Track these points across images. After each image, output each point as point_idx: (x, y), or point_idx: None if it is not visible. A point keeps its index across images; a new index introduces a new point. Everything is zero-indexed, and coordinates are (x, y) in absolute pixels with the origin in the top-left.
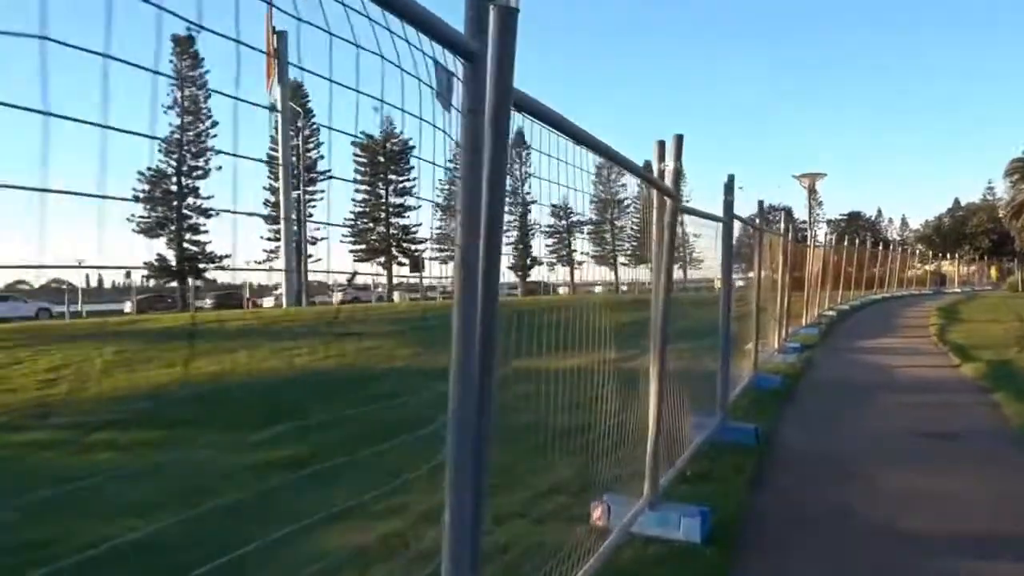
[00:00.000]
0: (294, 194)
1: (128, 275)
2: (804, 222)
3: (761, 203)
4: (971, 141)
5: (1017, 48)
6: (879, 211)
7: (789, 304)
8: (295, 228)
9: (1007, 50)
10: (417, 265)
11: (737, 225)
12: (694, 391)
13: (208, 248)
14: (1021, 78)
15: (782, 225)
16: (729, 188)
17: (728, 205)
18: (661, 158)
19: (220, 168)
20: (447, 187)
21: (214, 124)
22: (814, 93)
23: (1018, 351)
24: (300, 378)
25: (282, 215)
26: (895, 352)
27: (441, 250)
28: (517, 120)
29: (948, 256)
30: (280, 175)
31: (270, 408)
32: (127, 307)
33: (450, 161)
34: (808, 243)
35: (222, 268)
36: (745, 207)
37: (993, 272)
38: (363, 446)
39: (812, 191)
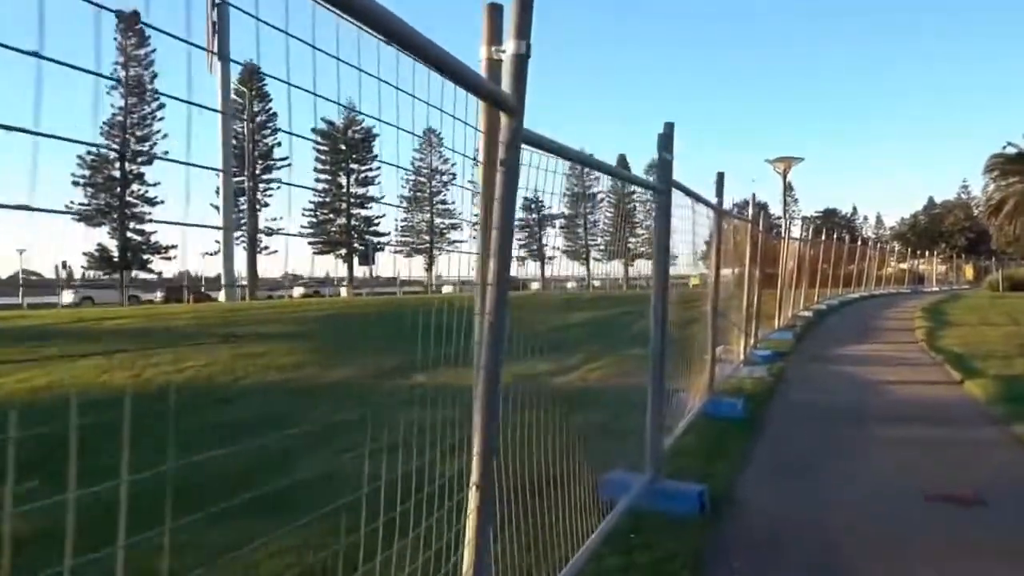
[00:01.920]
0: (238, 182)
1: (65, 265)
2: (779, 218)
3: (720, 176)
4: (946, 139)
5: (990, 47)
6: (854, 208)
7: (759, 304)
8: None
9: (981, 48)
10: (367, 257)
11: (693, 205)
12: (611, 432)
13: (154, 238)
14: (994, 76)
15: (750, 209)
16: (666, 142)
17: (664, 167)
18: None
19: (167, 153)
20: (412, 178)
21: (161, 106)
22: (789, 91)
23: None
24: (109, 400)
25: (221, 201)
26: (882, 362)
27: (406, 243)
28: None
29: (925, 254)
30: (220, 157)
31: None
32: (67, 298)
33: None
34: (782, 236)
35: (167, 259)
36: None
37: (968, 271)
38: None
39: (788, 183)
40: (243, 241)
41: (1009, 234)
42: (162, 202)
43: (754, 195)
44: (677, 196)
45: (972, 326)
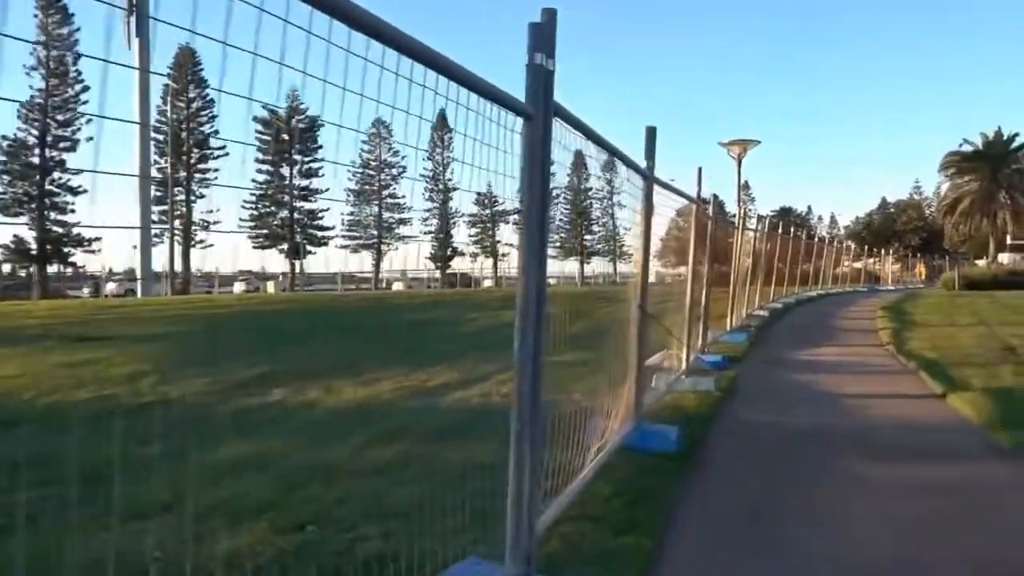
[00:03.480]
0: (174, 173)
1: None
2: (733, 215)
3: (651, 133)
4: (898, 139)
5: (942, 45)
6: (809, 208)
7: (709, 303)
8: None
9: (933, 46)
10: (297, 251)
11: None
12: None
13: (76, 230)
14: (946, 75)
15: (697, 188)
16: (541, 41)
17: (535, 77)
18: None
19: (91, 139)
20: (360, 171)
21: (85, 89)
22: (743, 86)
23: (1016, 371)
24: None
25: (139, 187)
26: (848, 369)
27: (353, 238)
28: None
29: (881, 252)
30: (138, 143)
31: None
32: None
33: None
34: (736, 227)
35: (91, 252)
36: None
37: (920, 269)
38: None
39: (745, 181)
40: (177, 234)
41: (964, 232)
42: (85, 191)
43: (700, 169)
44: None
45: (939, 327)
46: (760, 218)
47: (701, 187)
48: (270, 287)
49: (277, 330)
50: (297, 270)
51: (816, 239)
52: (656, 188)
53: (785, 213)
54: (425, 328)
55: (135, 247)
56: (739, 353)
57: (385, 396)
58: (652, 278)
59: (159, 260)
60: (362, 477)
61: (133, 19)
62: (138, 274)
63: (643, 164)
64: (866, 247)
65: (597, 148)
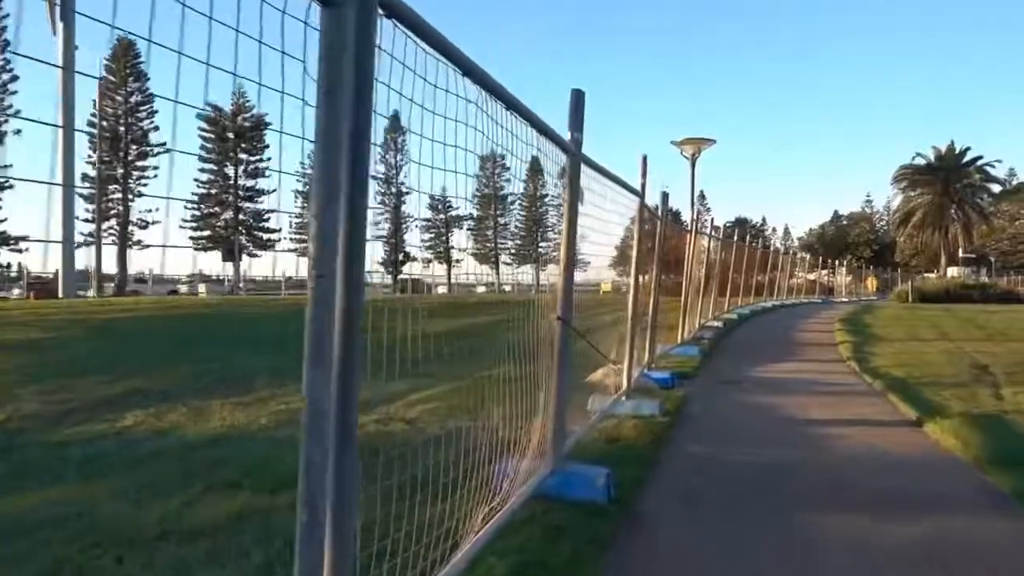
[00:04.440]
0: (104, 168)
1: None
2: (686, 226)
3: (578, 96)
4: (849, 152)
5: (896, 57)
6: (764, 219)
7: (656, 314)
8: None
9: (887, 59)
10: (232, 253)
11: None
12: None
13: (1, 227)
14: (898, 90)
15: (641, 180)
16: None
17: None
18: None
19: (19, 132)
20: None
21: (13, 79)
22: (699, 92)
23: (994, 394)
24: None
25: (61, 181)
26: (810, 389)
27: (301, 241)
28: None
29: (834, 264)
30: (60, 137)
31: None
32: None
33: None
34: (690, 231)
35: (17, 250)
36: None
37: (870, 283)
38: None
39: (701, 192)
40: (113, 233)
41: (917, 244)
42: (11, 187)
43: (644, 158)
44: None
45: (901, 341)
46: (716, 229)
47: (645, 179)
48: (202, 290)
49: (176, 337)
50: (241, 273)
51: (771, 249)
52: (591, 175)
53: (740, 223)
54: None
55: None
56: (690, 369)
57: (262, 421)
58: (608, 287)
59: (90, 261)
60: (176, 542)
61: (58, 8)
62: (60, 275)
63: (567, 136)
64: (820, 259)
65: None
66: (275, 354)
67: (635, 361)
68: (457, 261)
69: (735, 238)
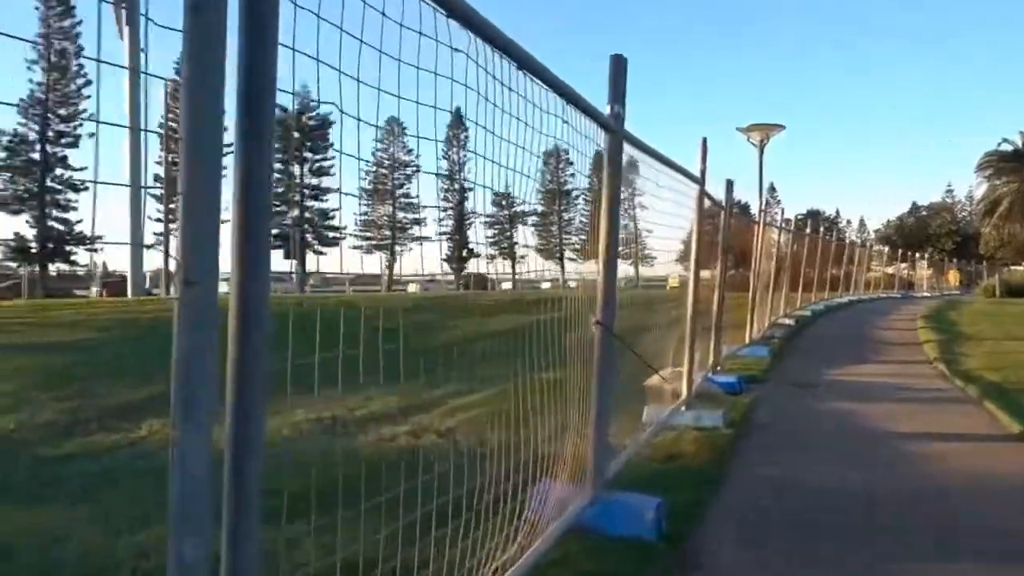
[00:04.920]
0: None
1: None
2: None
3: (619, 63)
4: (929, 142)
5: (974, 45)
6: (837, 211)
7: (721, 312)
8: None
9: (965, 47)
10: (290, 251)
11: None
12: None
13: (78, 228)
14: (976, 76)
15: (700, 166)
16: None
17: None
18: None
19: (93, 135)
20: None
21: (87, 83)
22: (770, 85)
23: None
24: None
25: (129, 182)
26: (894, 395)
27: (367, 238)
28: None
29: (915, 257)
30: (128, 141)
31: None
32: None
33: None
34: (759, 222)
35: (93, 250)
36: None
37: (952, 276)
38: None
39: (771, 184)
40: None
41: (1003, 235)
42: (86, 188)
43: (704, 140)
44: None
45: (992, 340)
46: (787, 222)
47: (705, 165)
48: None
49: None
50: (305, 271)
51: (847, 242)
52: (642, 160)
53: (813, 216)
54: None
55: (150, 246)
56: (759, 371)
57: (284, 432)
58: (675, 283)
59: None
60: None
61: (124, 11)
62: (130, 275)
63: (606, 111)
64: (898, 252)
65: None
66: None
67: (697, 364)
68: (521, 257)
69: (807, 230)
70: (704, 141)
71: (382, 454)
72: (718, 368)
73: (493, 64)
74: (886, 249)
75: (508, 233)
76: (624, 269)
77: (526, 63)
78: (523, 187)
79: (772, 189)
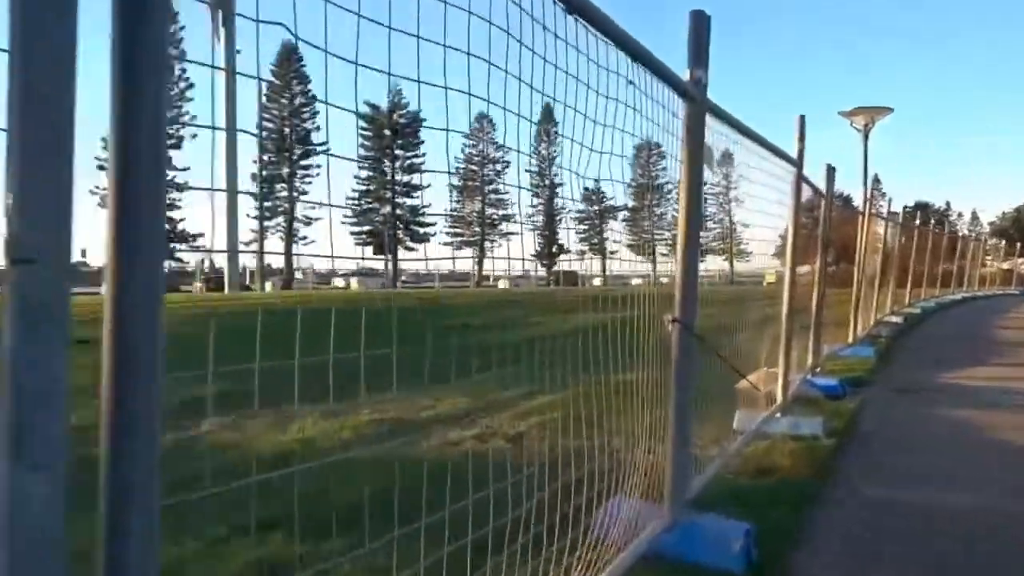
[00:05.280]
0: (283, 170)
1: (84, 254)
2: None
3: (701, 20)
4: None
5: None
6: (948, 204)
7: (821, 308)
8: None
9: None
10: (383, 246)
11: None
12: None
13: (180, 226)
14: None
15: (798, 145)
16: None
17: None
18: None
19: (196, 137)
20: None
21: (190, 86)
22: (874, 68)
23: None
24: None
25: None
26: (1019, 401)
27: (456, 234)
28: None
29: None
30: (223, 141)
31: None
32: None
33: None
34: (863, 213)
35: (195, 248)
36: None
37: None
38: None
39: (875, 176)
40: (279, 230)
41: None
42: (190, 187)
43: (801, 118)
44: None
45: None
46: (892, 212)
47: (803, 144)
48: (354, 284)
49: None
50: (392, 266)
51: (959, 236)
52: (726, 134)
53: (920, 208)
54: (481, 333)
55: (245, 244)
56: (864, 373)
57: (343, 434)
58: (772, 278)
59: (266, 258)
60: None
61: (220, 14)
62: (225, 270)
63: (684, 76)
64: (1016, 245)
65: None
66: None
67: (794, 365)
68: (612, 253)
69: (916, 222)
70: (802, 119)
71: (442, 462)
72: (818, 369)
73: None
74: (1003, 243)
75: (598, 228)
76: (719, 264)
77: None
78: (613, 174)
79: (876, 180)
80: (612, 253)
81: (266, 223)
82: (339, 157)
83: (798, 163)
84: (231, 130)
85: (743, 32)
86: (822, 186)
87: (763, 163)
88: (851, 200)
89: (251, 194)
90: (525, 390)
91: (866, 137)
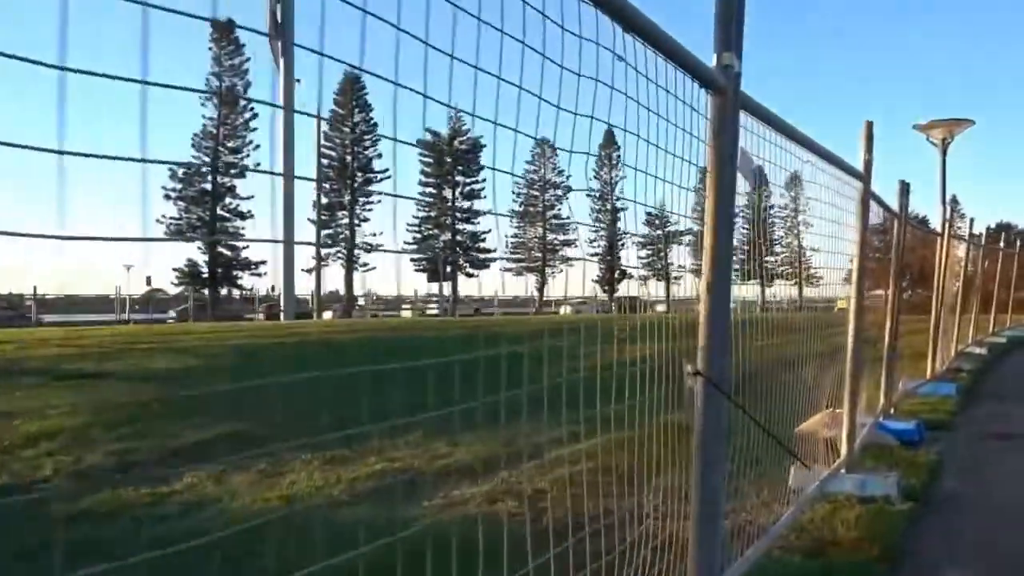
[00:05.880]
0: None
1: (149, 282)
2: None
3: None
4: None
5: None
6: None
7: (896, 339)
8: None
9: None
10: (437, 273)
11: None
12: None
13: (244, 254)
14: None
15: (865, 155)
16: None
17: None
18: None
19: (259, 165)
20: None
21: (254, 116)
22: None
23: None
24: None
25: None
26: None
27: (518, 260)
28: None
29: None
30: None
31: None
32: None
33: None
34: (942, 234)
35: (257, 275)
36: None
37: None
38: None
39: (953, 196)
40: (341, 257)
41: None
42: (252, 216)
43: (869, 124)
44: None
45: None
46: (973, 234)
47: (871, 155)
48: (406, 313)
49: (333, 366)
50: (449, 293)
51: None
52: (756, 129)
53: (1003, 229)
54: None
55: (304, 271)
56: (945, 415)
57: (335, 491)
58: (844, 304)
59: (329, 283)
60: None
61: (279, 44)
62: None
63: (711, 62)
64: None
65: None
66: (424, 392)
67: (863, 407)
68: (676, 278)
69: (1001, 244)
70: (869, 125)
71: (439, 529)
72: (891, 411)
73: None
74: None
75: (662, 253)
76: (788, 291)
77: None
78: (677, 202)
79: (955, 201)
80: (676, 278)
81: (327, 250)
82: (400, 197)
83: (866, 176)
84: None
85: (789, 31)
86: (894, 204)
87: (823, 176)
88: (928, 222)
89: (311, 221)
90: (554, 434)
91: (944, 152)
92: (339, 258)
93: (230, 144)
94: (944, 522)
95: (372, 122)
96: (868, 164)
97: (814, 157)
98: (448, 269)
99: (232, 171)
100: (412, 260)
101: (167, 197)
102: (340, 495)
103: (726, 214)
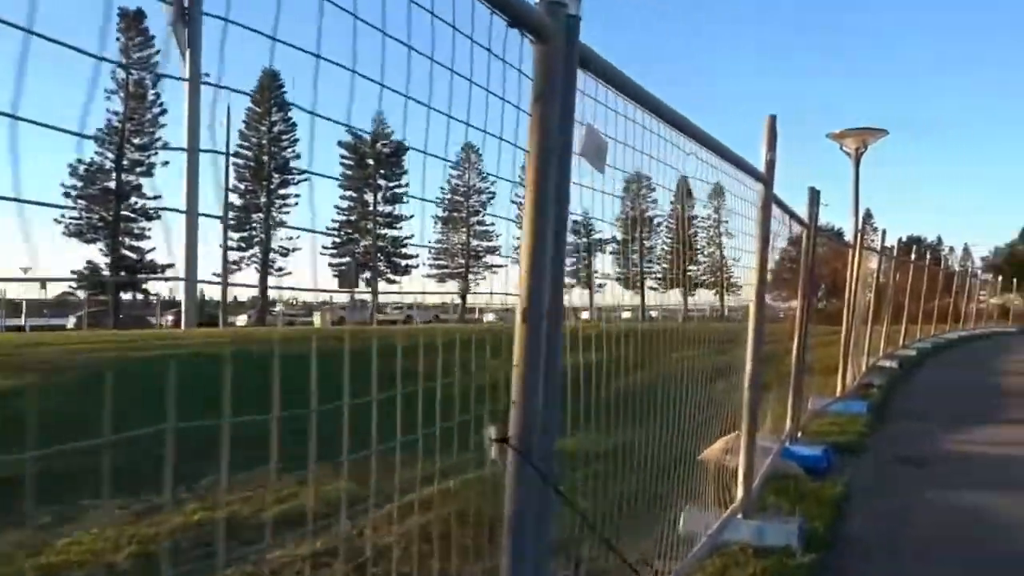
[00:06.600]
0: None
1: (43, 286)
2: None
3: None
4: None
5: None
6: (939, 239)
7: (803, 356)
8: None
9: None
10: (347, 278)
11: None
12: None
13: (149, 256)
14: None
15: (767, 153)
16: None
17: None
18: None
19: (167, 164)
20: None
21: (163, 112)
22: (862, 99)
23: None
24: None
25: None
26: None
27: (440, 266)
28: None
29: None
30: (186, 163)
31: None
32: (70, 322)
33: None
34: (853, 246)
35: (163, 278)
36: None
37: None
38: None
39: (867, 210)
40: (255, 261)
41: None
42: (158, 217)
43: (772, 118)
44: None
45: None
46: (885, 247)
47: (774, 154)
48: (316, 319)
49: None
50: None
51: (955, 271)
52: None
53: (913, 243)
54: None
55: (215, 274)
56: (854, 437)
57: (120, 553)
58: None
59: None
60: None
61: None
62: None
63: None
64: (1012, 281)
65: None
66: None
67: (767, 431)
68: (600, 286)
69: (912, 257)
70: (772, 120)
71: None
72: (799, 434)
73: None
74: (999, 279)
75: (586, 261)
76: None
77: None
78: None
79: (868, 215)
80: (600, 286)
81: (242, 253)
82: (321, 175)
83: (767, 179)
84: (193, 150)
85: (709, 32)
86: (804, 214)
87: (709, 171)
88: (843, 234)
89: (217, 217)
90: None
91: (857, 162)
92: (253, 261)
93: (136, 140)
94: (846, 571)
95: (290, 121)
96: (771, 164)
97: (697, 147)
98: (367, 275)
99: (137, 169)
100: (330, 266)
101: (67, 195)
102: (122, 562)
103: (557, 216)
